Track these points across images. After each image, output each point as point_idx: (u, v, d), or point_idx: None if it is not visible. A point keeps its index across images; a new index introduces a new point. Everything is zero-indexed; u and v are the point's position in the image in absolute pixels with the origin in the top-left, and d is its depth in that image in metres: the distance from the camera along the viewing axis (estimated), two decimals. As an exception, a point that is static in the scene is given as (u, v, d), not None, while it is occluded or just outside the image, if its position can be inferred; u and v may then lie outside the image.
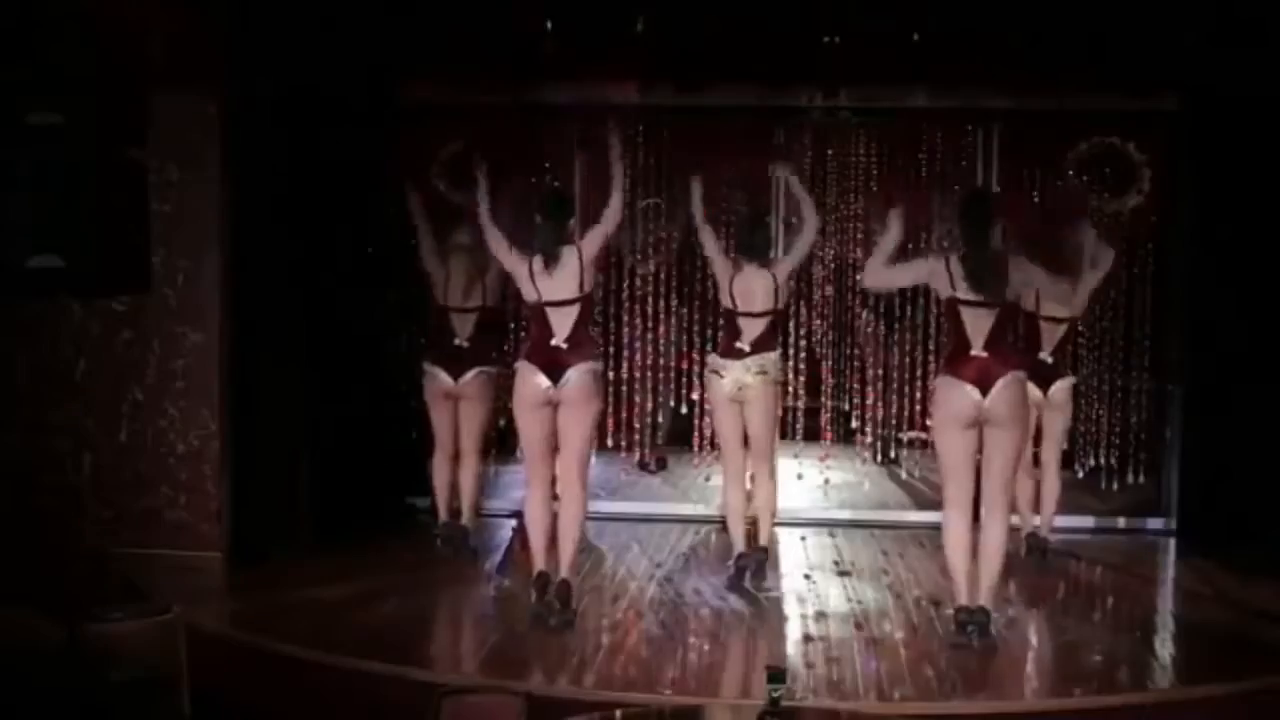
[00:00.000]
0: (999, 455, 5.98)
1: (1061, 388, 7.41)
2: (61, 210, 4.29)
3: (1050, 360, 7.35)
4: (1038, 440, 7.42)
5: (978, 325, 5.92)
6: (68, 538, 6.67)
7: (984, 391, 5.85)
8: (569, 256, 6.31)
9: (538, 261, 6.32)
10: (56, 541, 6.63)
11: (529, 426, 6.36)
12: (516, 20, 7.72)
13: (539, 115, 8.59)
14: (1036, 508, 7.57)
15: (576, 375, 6.25)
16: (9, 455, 6.70)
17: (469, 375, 7.43)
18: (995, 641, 5.92)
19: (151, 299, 6.59)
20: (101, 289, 5.80)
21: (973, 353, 5.90)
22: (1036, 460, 7.53)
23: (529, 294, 6.40)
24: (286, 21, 6.97)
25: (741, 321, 6.99)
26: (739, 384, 6.93)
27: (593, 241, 6.41)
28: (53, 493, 6.74)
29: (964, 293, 5.92)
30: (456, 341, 7.47)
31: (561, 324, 6.30)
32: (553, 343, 6.29)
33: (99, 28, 4.53)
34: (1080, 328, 8.39)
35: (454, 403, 7.52)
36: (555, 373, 6.24)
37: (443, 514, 7.64)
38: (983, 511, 6.10)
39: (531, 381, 6.27)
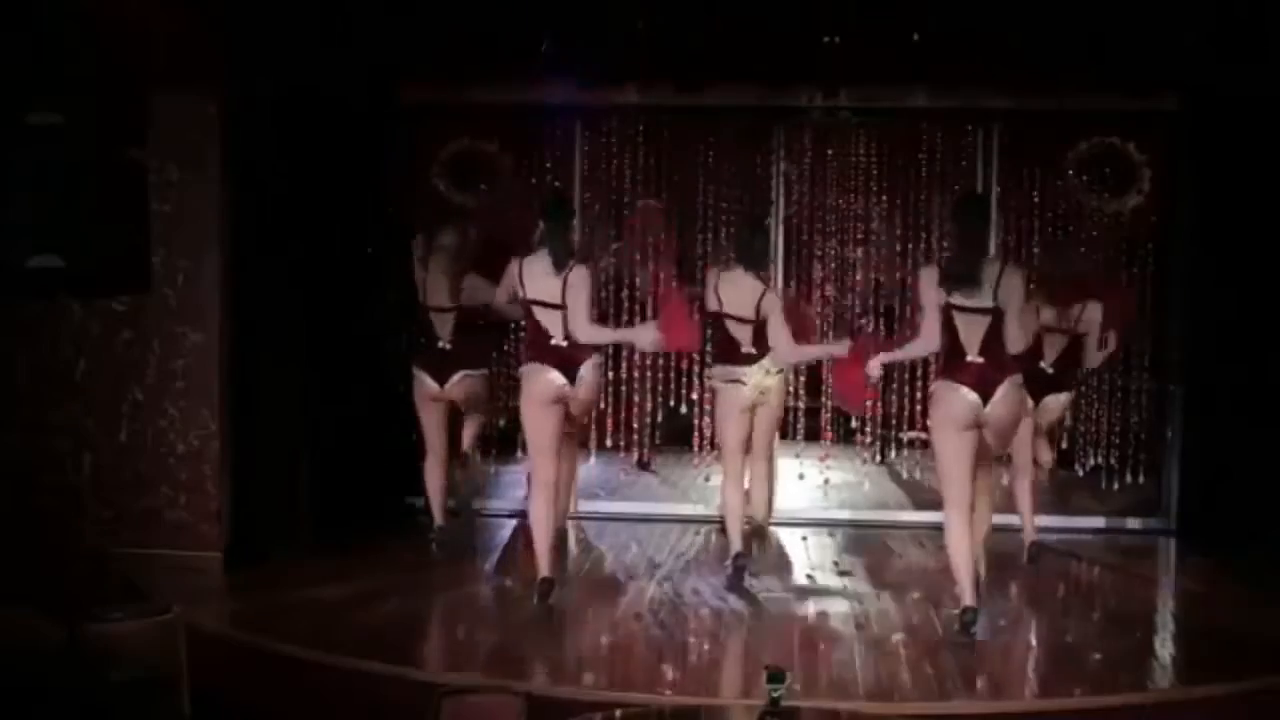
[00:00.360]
0: (993, 454, 6.06)
1: (1055, 398, 7.37)
2: (61, 210, 4.28)
3: (1050, 370, 7.29)
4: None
5: (971, 330, 5.90)
6: (68, 538, 6.68)
7: (984, 397, 5.85)
8: (561, 273, 6.30)
9: (532, 262, 6.33)
10: (56, 541, 6.64)
11: (540, 424, 6.37)
12: (516, 20, 7.71)
13: (539, 115, 8.60)
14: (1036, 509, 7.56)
15: (589, 372, 6.36)
16: (9, 455, 6.71)
17: (454, 379, 7.39)
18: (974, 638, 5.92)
19: (151, 299, 6.61)
20: (101, 289, 5.79)
21: (969, 358, 5.89)
22: (1036, 460, 7.52)
23: (519, 290, 6.43)
24: (286, 21, 6.97)
25: (731, 325, 7.00)
26: (760, 387, 6.96)
27: (575, 295, 6.31)
28: (53, 493, 6.75)
29: (953, 297, 5.90)
30: (440, 344, 7.42)
31: (551, 323, 6.33)
32: (553, 342, 6.32)
33: (99, 28, 4.52)
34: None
35: (444, 405, 7.49)
36: (570, 370, 6.30)
37: (438, 518, 7.62)
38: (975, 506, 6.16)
39: (544, 379, 6.29)
